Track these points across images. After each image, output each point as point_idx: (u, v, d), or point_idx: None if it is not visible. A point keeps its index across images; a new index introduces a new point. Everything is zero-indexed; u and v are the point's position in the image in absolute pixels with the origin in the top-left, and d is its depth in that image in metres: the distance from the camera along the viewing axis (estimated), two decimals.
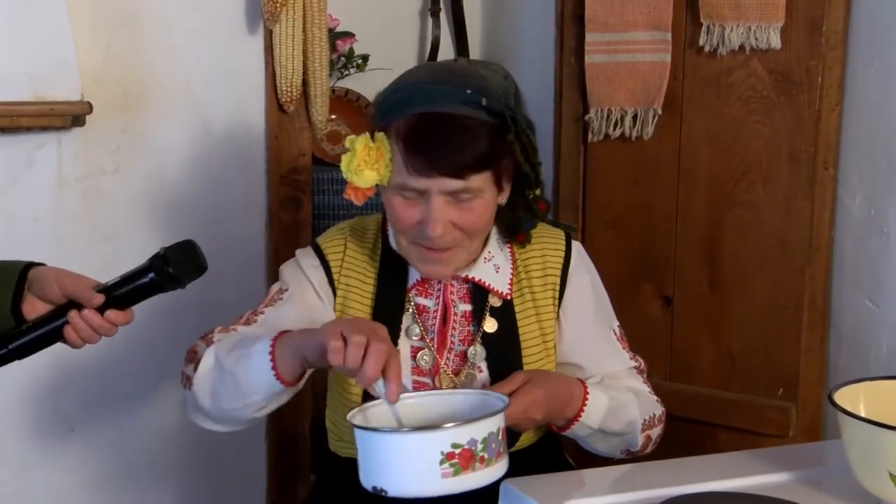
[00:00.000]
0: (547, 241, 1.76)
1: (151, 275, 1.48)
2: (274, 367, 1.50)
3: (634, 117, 2.30)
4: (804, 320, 2.13)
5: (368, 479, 1.37)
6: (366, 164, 1.58)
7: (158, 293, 1.50)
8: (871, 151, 2.04)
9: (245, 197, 2.42)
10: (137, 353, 2.33)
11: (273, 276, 2.44)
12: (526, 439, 1.73)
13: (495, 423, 1.37)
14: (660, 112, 2.27)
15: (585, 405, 1.66)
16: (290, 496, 2.50)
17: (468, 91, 1.58)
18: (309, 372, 1.56)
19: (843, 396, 1.38)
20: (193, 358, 1.63)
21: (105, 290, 1.48)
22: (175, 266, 1.48)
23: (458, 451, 1.32)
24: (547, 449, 1.78)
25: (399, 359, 1.44)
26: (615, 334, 1.81)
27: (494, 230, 1.73)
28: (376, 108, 1.65)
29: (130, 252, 2.29)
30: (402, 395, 1.46)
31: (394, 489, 1.35)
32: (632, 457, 1.75)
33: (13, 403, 2.28)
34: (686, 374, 2.29)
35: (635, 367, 1.80)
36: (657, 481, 1.50)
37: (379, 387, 1.42)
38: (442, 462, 1.32)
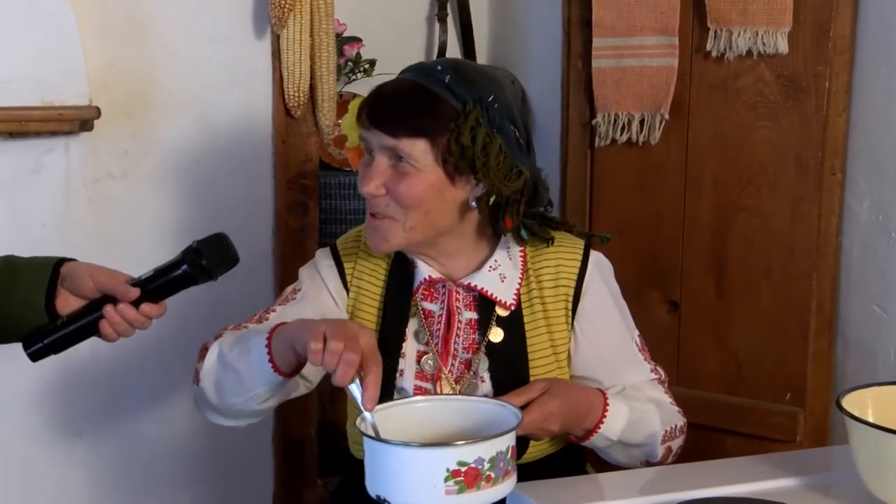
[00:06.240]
0: (563, 250, 1.73)
1: (185, 267, 1.50)
2: (271, 360, 1.51)
3: (641, 122, 2.30)
4: (811, 326, 2.12)
5: (373, 488, 1.37)
6: (352, 125, 1.62)
7: (191, 286, 1.52)
8: (879, 156, 2.03)
9: (252, 201, 2.43)
10: (144, 357, 2.33)
11: (280, 280, 2.44)
12: (545, 449, 1.72)
13: (505, 443, 1.35)
14: (667, 117, 2.27)
15: (605, 416, 1.64)
16: (296, 501, 2.50)
17: (438, 68, 1.62)
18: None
19: (851, 402, 1.37)
20: (203, 354, 1.64)
21: (139, 283, 1.50)
22: (208, 258, 1.50)
23: (464, 469, 1.30)
24: (568, 458, 1.76)
25: (380, 368, 1.42)
26: (637, 345, 1.77)
27: (503, 239, 1.70)
28: None
29: (137, 257, 2.28)
30: (416, 399, 1.48)
31: (398, 501, 1.34)
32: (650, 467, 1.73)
33: (19, 407, 2.29)
34: (693, 380, 2.28)
35: (656, 378, 1.77)
36: (664, 487, 1.49)
37: (354, 392, 1.41)
38: (447, 479, 1.30)
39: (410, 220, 1.61)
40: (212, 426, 2.42)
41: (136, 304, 1.49)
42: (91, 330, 1.51)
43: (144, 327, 1.52)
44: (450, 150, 1.58)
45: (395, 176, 1.60)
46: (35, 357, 1.52)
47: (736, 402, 2.22)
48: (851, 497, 1.41)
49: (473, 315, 1.69)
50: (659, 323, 2.31)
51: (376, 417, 1.41)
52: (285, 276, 2.44)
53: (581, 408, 1.63)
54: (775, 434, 2.15)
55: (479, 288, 1.68)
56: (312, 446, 2.49)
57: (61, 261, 1.54)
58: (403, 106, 1.60)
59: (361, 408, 1.41)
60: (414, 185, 1.59)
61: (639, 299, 2.31)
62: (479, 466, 1.31)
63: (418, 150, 1.58)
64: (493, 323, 1.69)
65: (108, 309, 1.49)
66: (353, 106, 1.73)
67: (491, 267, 1.69)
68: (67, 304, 1.51)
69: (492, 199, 1.63)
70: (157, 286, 1.51)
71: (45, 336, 1.50)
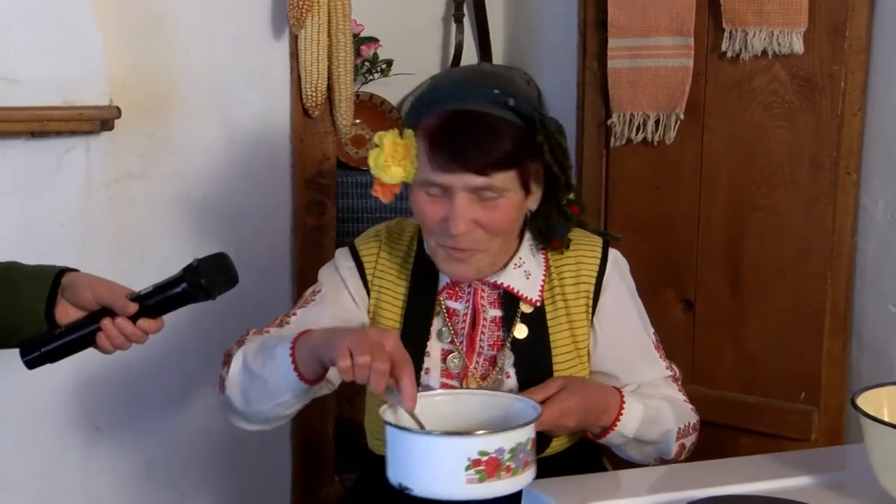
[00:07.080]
0: (583, 248, 1.75)
1: (184, 285, 1.51)
2: (296, 368, 1.53)
3: (657, 122, 2.31)
4: (826, 325, 2.13)
5: (395, 476, 1.40)
6: (393, 160, 1.60)
7: (190, 303, 1.53)
8: (894, 156, 2.04)
9: (270, 201, 2.44)
10: (163, 355, 2.35)
11: (298, 279, 2.46)
12: (561, 444, 1.73)
13: (525, 434, 1.37)
14: (682, 117, 2.28)
15: (622, 414, 1.65)
16: (314, 498, 2.52)
17: (496, 91, 1.59)
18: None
19: (866, 401, 1.38)
20: (228, 361, 1.66)
21: (138, 298, 1.51)
22: (207, 278, 1.51)
23: (484, 458, 1.33)
24: (584, 454, 1.77)
25: (411, 367, 1.45)
26: (653, 342, 1.79)
27: (528, 236, 1.73)
28: (408, 107, 1.66)
29: (157, 257, 2.32)
30: (435, 392, 1.51)
31: (419, 489, 1.36)
32: (664, 464, 1.75)
33: (40, 402, 2.31)
34: (708, 379, 2.29)
35: (671, 376, 1.79)
36: (678, 484, 1.50)
37: (392, 396, 1.44)
38: (468, 468, 1.33)
39: (497, 243, 1.64)
40: (230, 422, 2.46)
41: (134, 318, 1.50)
42: (88, 341, 1.52)
43: (141, 342, 1.53)
44: (550, 175, 1.62)
45: (483, 210, 1.59)
46: (31, 365, 1.53)
47: (750, 401, 2.23)
48: (866, 496, 1.41)
49: (498, 312, 1.71)
50: (674, 322, 2.32)
51: (394, 409, 1.44)
52: (303, 274, 2.45)
53: (598, 405, 1.65)
54: (790, 433, 2.16)
55: (505, 285, 1.70)
56: (330, 443, 2.51)
57: (63, 271, 1.55)
58: (486, 144, 1.57)
59: (404, 409, 1.43)
60: (506, 214, 1.61)
61: (654, 298, 2.31)
62: (500, 456, 1.34)
63: (507, 180, 1.59)
64: (518, 319, 1.70)
65: (106, 322, 1.50)
66: (389, 141, 1.58)
67: (516, 264, 1.71)
68: (66, 314, 1.52)
69: (563, 200, 1.68)
70: (156, 303, 1.52)
71: (43, 344, 1.51)
